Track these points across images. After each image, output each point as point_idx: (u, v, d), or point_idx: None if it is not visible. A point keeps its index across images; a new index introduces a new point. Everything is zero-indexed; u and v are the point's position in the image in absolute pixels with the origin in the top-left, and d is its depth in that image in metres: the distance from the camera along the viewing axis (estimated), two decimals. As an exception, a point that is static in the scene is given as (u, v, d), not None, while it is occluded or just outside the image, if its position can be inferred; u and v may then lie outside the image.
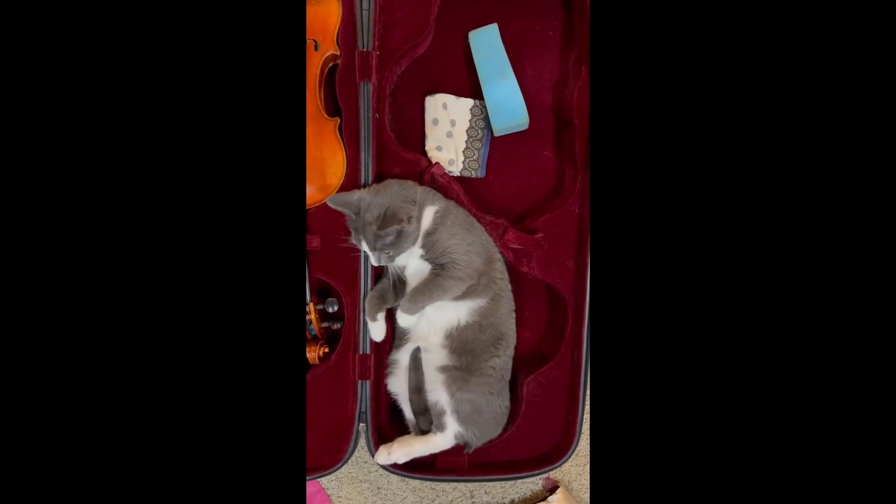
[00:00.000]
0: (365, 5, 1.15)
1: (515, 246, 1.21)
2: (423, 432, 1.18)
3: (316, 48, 1.17)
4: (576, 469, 1.39)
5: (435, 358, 1.16)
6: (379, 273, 1.21)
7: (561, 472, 1.39)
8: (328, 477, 1.34)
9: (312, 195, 1.18)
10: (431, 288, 1.10)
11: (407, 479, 1.27)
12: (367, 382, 1.21)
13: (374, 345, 1.21)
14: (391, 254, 1.09)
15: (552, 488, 1.37)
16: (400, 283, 1.17)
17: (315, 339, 1.22)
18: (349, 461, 1.23)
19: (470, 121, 1.28)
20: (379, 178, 1.18)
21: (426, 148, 1.28)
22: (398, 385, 1.21)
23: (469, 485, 1.37)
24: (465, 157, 1.28)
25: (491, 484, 1.37)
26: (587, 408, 1.29)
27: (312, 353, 1.19)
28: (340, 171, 1.18)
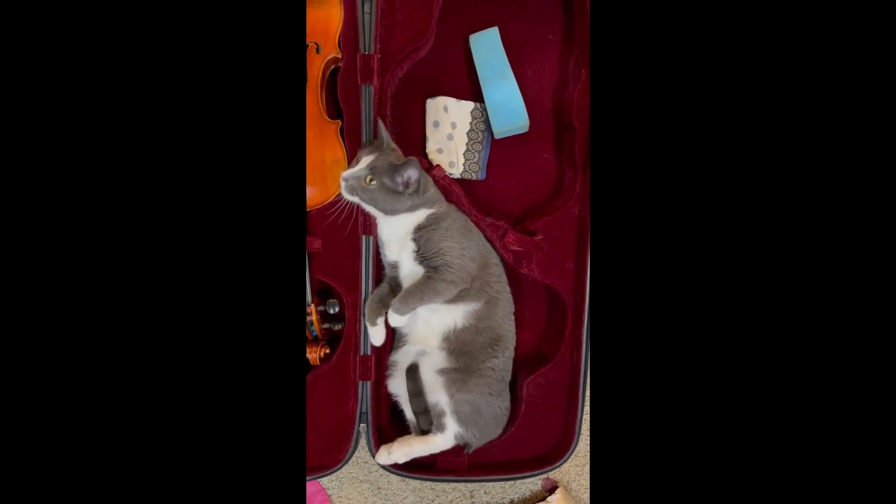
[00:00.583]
0: (367, 8, 1.16)
1: (515, 248, 1.21)
2: (424, 432, 1.18)
3: (318, 51, 1.17)
4: (575, 469, 1.40)
5: (434, 360, 1.16)
6: (380, 275, 1.22)
7: (560, 473, 1.39)
8: (329, 477, 1.34)
9: (314, 197, 1.18)
10: (423, 290, 1.10)
11: (407, 479, 1.28)
12: (368, 383, 1.22)
13: (375, 346, 1.22)
14: (366, 196, 1.07)
15: (551, 488, 1.37)
16: (399, 287, 1.18)
17: (316, 340, 1.22)
18: (350, 461, 1.24)
19: (470, 123, 1.29)
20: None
21: (427, 150, 1.29)
22: (398, 386, 1.21)
23: (469, 485, 1.37)
24: (466, 160, 1.29)
25: (490, 484, 1.37)
26: (587, 408, 1.30)
27: (313, 354, 1.20)
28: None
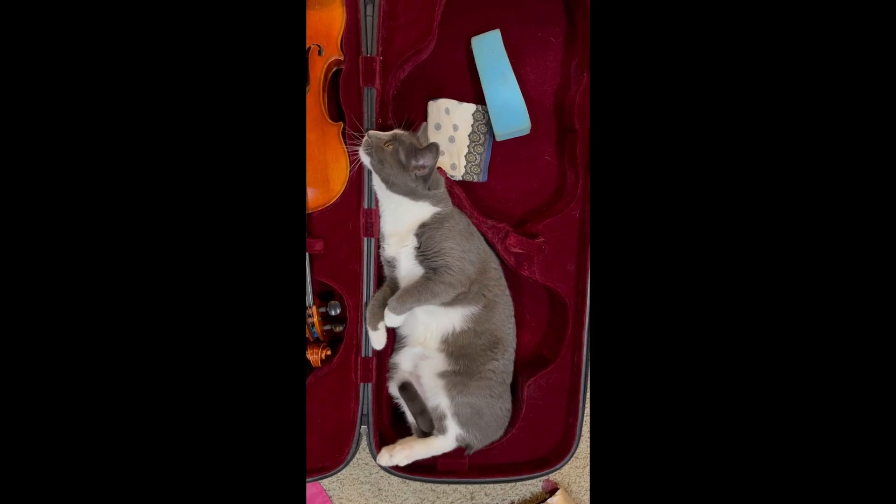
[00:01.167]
0: (369, 11, 1.16)
1: (517, 250, 1.21)
2: (424, 434, 1.18)
3: (320, 53, 1.18)
4: (575, 471, 1.40)
5: (433, 363, 1.16)
6: (382, 277, 1.22)
7: (561, 475, 1.39)
8: (329, 478, 1.34)
9: (315, 199, 1.19)
10: (421, 290, 1.11)
11: (408, 480, 1.28)
12: (369, 385, 1.22)
13: (376, 350, 1.22)
14: (378, 157, 1.09)
15: (552, 490, 1.37)
16: (398, 289, 1.18)
17: (317, 342, 1.23)
18: (350, 463, 1.24)
19: (472, 125, 1.29)
20: (381, 181, 1.19)
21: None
22: (398, 387, 1.22)
23: (469, 486, 1.37)
24: (468, 162, 1.29)
25: (491, 486, 1.37)
26: (587, 410, 1.30)
27: (315, 356, 1.20)
28: (344, 175, 1.19)
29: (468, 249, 1.14)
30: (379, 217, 1.19)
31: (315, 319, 1.20)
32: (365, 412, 1.22)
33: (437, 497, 1.38)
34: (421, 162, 1.10)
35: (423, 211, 1.14)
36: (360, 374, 1.22)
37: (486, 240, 1.23)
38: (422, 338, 1.19)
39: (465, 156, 1.29)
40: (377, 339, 1.18)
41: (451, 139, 1.28)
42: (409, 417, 1.21)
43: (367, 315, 1.18)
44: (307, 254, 1.20)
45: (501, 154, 1.32)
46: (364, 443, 1.25)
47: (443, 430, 1.15)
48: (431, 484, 1.36)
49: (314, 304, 1.21)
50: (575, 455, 1.27)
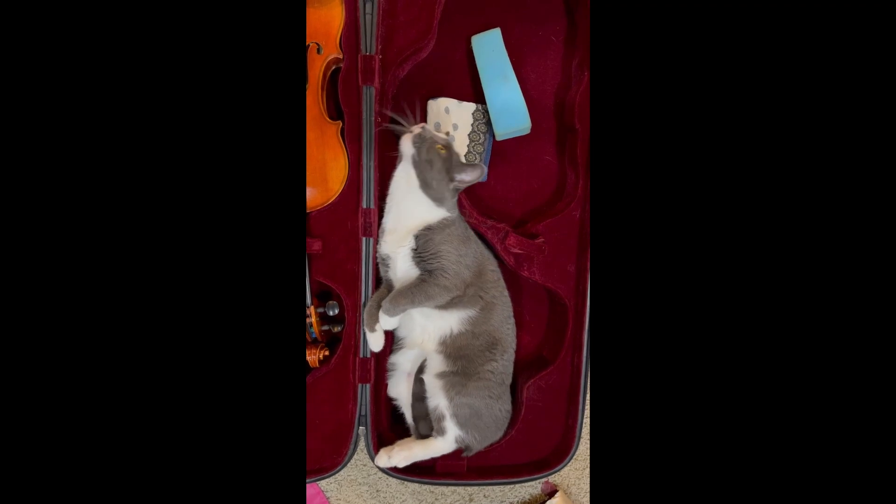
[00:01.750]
0: (368, 9, 1.16)
1: (517, 250, 1.21)
2: (423, 437, 1.18)
3: (319, 51, 1.17)
4: (575, 473, 1.39)
5: (432, 364, 1.16)
6: (380, 277, 1.21)
7: (560, 477, 1.39)
8: (327, 479, 1.34)
9: (314, 198, 1.18)
10: (415, 292, 1.10)
11: (406, 482, 1.27)
12: (368, 386, 1.21)
13: (374, 352, 1.21)
14: (425, 156, 1.10)
15: (551, 492, 1.37)
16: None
17: (315, 343, 1.22)
18: (348, 464, 1.23)
19: (472, 125, 1.28)
20: (381, 181, 1.19)
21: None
22: (397, 389, 1.21)
23: (468, 488, 1.37)
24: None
25: (490, 488, 1.37)
26: (587, 412, 1.29)
27: (313, 357, 1.19)
28: (343, 175, 1.18)
29: (465, 254, 1.13)
30: (382, 213, 1.18)
31: (313, 320, 1.19)
32: (363, 413, 1.22)
33: (436, 499, 1.37)
34: (464, 177, 1.12)
35: (434, 214, 1.13)
36: (359, 374, 1.21)
37: (486, 240, 1.22)
38: (419, 339, 1.18)
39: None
40: (375, 341, 1.18)
41: (451, 139, 1.28)
42: (409, 419, 1.21)
43: (365, 317, 1.17)
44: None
45: (501, 154, 1.31)
46: (362, 444, 1.24)
47: (442, 432, 1.14)
48: (430, 486, 1.35)
49: (312, 304, 1.20)
50: (574, 457, 1.26)
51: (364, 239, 1.18)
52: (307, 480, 1.22)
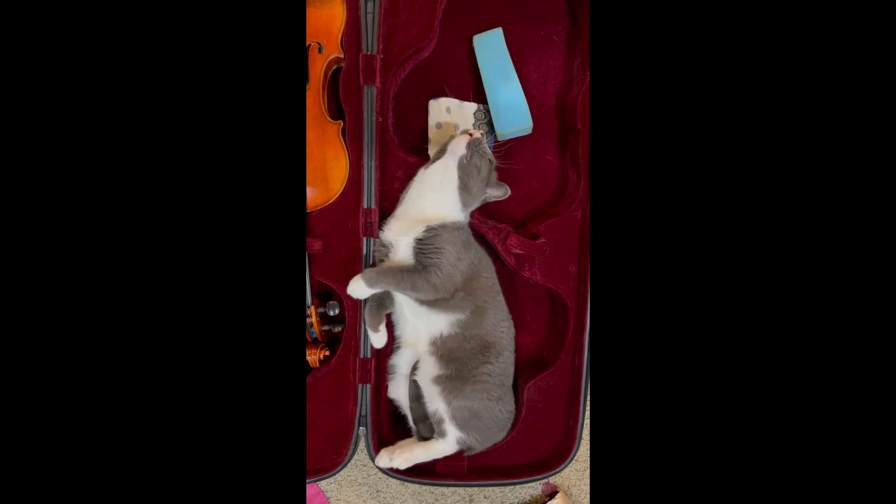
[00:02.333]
0: (369, 8, 1.15)
1: (518, 251, 1.20)
2: (425, 439, 1.17)
3: (320, 51, 1.17)
4: (575, 474, 1.39)
5: (426, 367, 1.15)
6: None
7: (560, 478, 1.39)
8: (327, 480, 1.34)
9: (315, 198, 1.18)
10: (402, 276, 1.09)
11: (406, 482, 1.27)
12: (368, 386, 1.21)
13: (376, 349, 1.21)
14: (475, 161, 1.12)
15: (551, 493, 1.36)
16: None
17: (316, 343, 1.22)
18: (348, 464, 1.23)
19: (473, 125, 1.28)
20: (382, 181, 1.18)
21: (429, 151, 1.28)
22: (398, 391, 1.21)
23: (468, 489, 1.37)
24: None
25: (490, 488, 1.37)
26: (587, 413, 1.29)
27: (313, 357, 1.19)
28: (343, 174, 1.18)
29: (462, 258, 1.12)
30: (382, 212, 1.17)
31: (313, 320, 1.19)
32: (363, 413, 1.22)
33: (436, 499, 1.37)
34: (495, 192, 1.17)
35: (454, 215, 1.13)
36: (359, 375, 1.21)
37: (487, 241, 1.22)
38: (412, 339, 1.18)
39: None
40: (377, 340, 1.18)
41: (452, 138, 1.27)
42: (411, 421, 1.21)
43: (366, 317, 1.17)
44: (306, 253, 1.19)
45: (503, 154, 1.31)
46: (362, 444, 1.24)
47: (443, 434, 1.14)
48: (430, 486, 1.35)
49: (313, 304, 1.20)
50: (575, 458, 1.26)
51: (365, 239, 1.18)
52: (307, 481, 1.22)
